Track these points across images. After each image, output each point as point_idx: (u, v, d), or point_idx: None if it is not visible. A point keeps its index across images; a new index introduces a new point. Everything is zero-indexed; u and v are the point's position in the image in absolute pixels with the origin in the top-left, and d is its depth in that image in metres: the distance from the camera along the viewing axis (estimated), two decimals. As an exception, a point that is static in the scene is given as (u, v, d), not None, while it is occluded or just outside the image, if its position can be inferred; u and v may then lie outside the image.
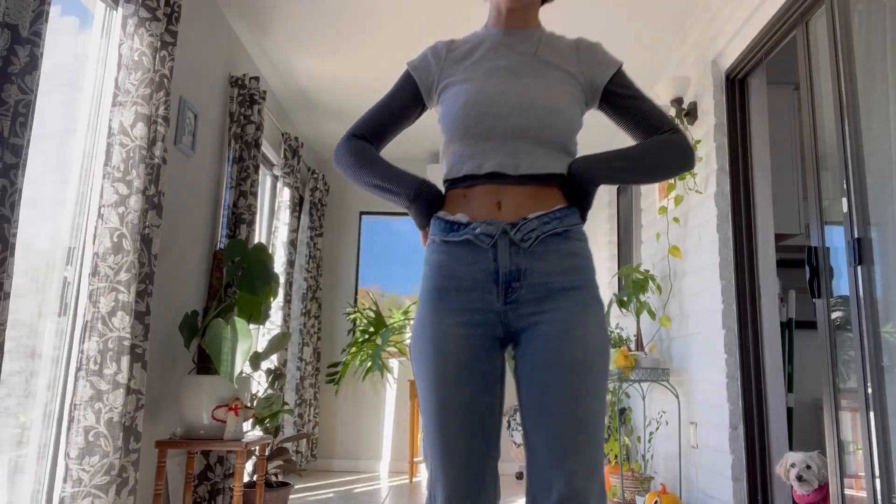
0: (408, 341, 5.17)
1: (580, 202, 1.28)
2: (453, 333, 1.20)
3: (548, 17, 3.40)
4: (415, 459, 4.70)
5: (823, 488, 2.37)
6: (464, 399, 1.18)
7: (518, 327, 1.22)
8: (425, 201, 1.28)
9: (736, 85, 3.12)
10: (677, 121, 3.50)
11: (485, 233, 1.21)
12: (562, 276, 1.21)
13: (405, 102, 1.38)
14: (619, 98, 1.34)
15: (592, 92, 1.34)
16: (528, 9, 1.36)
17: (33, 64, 1.78)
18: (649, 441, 3.64)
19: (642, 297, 3.81)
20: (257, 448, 3.15)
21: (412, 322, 4.77)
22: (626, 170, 1.28)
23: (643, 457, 3.73)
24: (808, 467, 2.37)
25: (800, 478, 2.38)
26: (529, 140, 1.24)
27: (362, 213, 5.56)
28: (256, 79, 3.56)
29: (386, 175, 1.30)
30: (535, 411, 1.17)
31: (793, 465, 2.40)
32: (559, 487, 1.11)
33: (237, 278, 2.98)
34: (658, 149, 1.28)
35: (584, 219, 1.28)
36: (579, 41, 1.37)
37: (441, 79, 1.34)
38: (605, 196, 5.36)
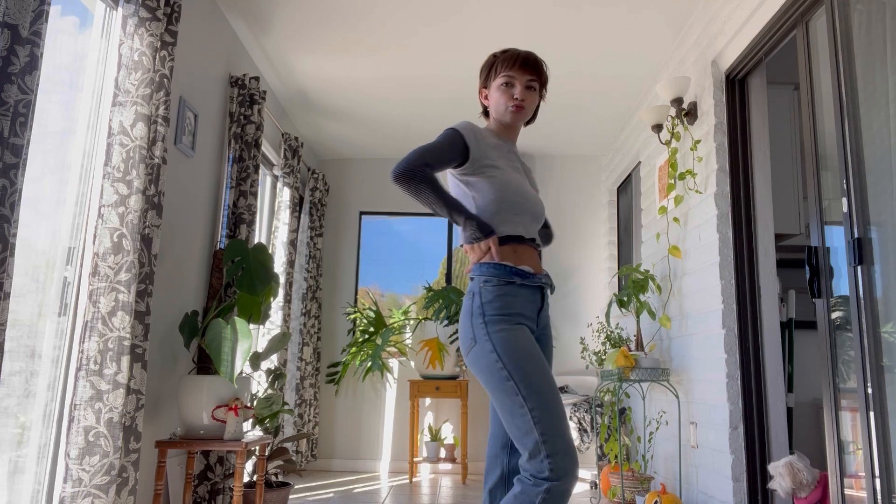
0: (408, 341, 5.17)
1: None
2: (532, 337, 1.76)
3: (548, 16, 3.40)
4: (415, 459, 4.69)
5: (818, 490, 2.35)
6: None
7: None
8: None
9: (736, 85, 3.12)
10: (677, 121, 3.50)
11: (544, 283, 1.84)
12: (547, 311, 1.92)
13: (457, 154, 1.82)
14: None
15: None
16: (518, 129, 1.99)
17: (33, 64, 1.78)
18: (649, 441, 3.64)
19: (642, 297, 3.81)
20: (257, 448, 3.15)
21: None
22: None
23: (643, 457, 3.73)
24: (771, 477, 2.34)
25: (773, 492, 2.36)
26: (535, 219, 1.90)
27: (362, 212, 5.56)
28: (256, 79, 3.56)
29: (468, 214, 1.79)
30: None
31: (771, 477, 2.38)
32: None
33: (237, 278, 2.98)
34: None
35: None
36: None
37: (484, 156, 1.84)
38: (605, 196, 5.36)
